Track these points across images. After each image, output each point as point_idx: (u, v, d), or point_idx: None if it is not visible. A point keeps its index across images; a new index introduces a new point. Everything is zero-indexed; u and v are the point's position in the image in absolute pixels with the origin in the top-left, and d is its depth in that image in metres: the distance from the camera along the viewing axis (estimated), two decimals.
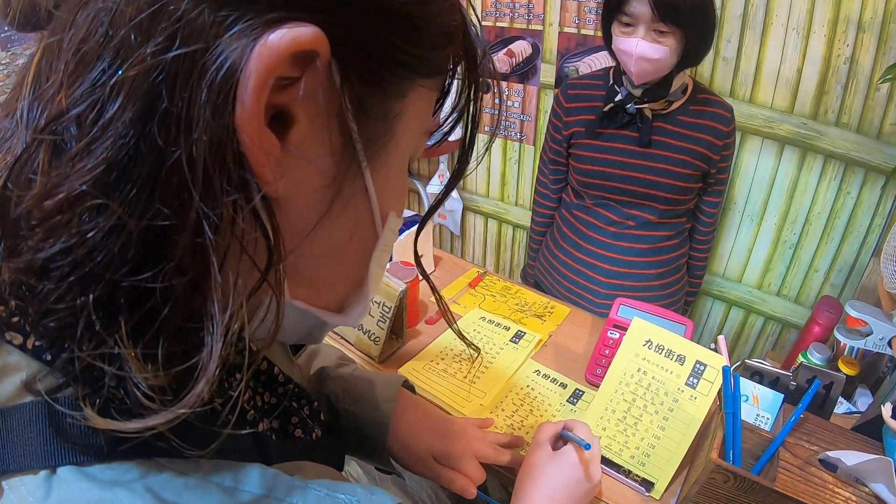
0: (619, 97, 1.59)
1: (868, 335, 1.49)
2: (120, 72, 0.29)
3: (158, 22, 0.28)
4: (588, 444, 0.85)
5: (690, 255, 1.85)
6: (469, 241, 3.18)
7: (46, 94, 0.32)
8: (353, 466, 1.53)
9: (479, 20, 0.47)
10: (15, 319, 0.35)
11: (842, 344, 1.55)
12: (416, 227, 1.46)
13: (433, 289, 0.62)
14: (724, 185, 1.71)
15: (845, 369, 1.50)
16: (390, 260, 1.40)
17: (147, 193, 0.30)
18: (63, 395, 0.34)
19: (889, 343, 1.47)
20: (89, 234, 0.30)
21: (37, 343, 0.35)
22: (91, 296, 0.31)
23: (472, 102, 0.47)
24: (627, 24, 1.46)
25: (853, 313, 1.51)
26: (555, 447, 0.89)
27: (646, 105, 1.56)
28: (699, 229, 1.80)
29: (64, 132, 0.31)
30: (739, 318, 2.37)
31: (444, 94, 0.48)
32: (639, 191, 1.63)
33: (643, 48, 1.43)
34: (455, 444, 0.90)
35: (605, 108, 1.61)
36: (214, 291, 0.32)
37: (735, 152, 1.70)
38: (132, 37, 0.28)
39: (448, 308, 0.64)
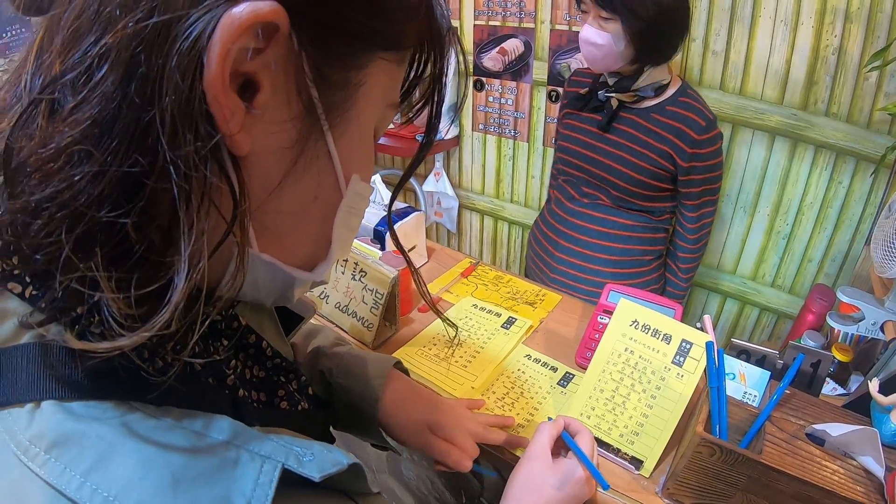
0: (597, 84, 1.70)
1: (860, 321, 1.50)
2: (105, 40, 0.33)
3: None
4: (605, 484, 0.84)
5: (668, 266, 1.87)
6: (466, 239, 3.18)
7: (45, 64, 0.36)
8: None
9: (446, 1, 0.50)
10: (16, 272, 0.39)
11: (835, 331, 1.56)
12: (409, 217, 1.47)
13: (408, 261, 0.64)
14: (696, 200, 1.68)
15: (839, 355, 1.51)
16: (382, 249, 1.41)
17: (126, 145, 0.33)
18: (51, 334, 0.38)
19: (881, 328, 1.48)
20: (75, 179, 0.33)
21: (34, 292, 0.39)
22: (75, 231, 0.34)
23: (436, 77, 0.51)
24: (584, 13, 1.56)
25: (845, 299, 1.51)
26: (553, 449, 0.89)
27: (613, 94, 1.63)
28: (675, 243, 1.82)
29: (59, 94, 0.34)
30: (735, 310, 2.38)
31: (420, 72, 0.51)
32: (594, 171, 1.70)
33: (587, 33, 1.54)
34: (447, 416, 0.91)
35: (583, 91, 1.72)
36: (183, 233, 0.35)
37: (719, 157, 1.65)
38: (118, 11, 0.32)
39: (423, 281, 0.66)
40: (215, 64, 0.34)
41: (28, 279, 0.40)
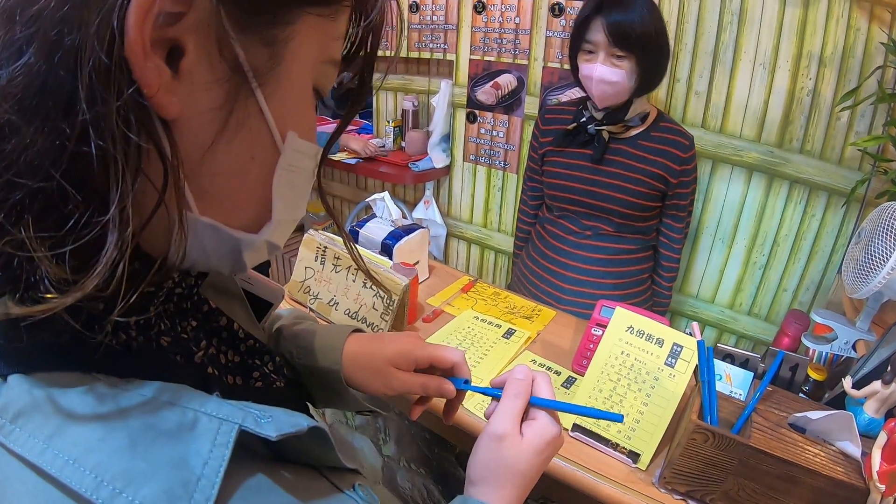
0: (583, 119, 1.79)
1: (834, 340, 1.59)
2: (31, 14, 0.35)
3: None
4: (620, 417, 0.73)
5: (655, 279, 1.99)
6: (452, 266, 3.26)
7: None
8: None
9: None
10: None
11: (810, 351, 1.66)
12: (414, 234, 1.55)
13: (339, 226, 0.64)
14: (685, 211, 1.85)
15: (814, 375, 1.59)
16: (391, 259, 1.49)
17: (52, 115, 0.35)
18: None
19: (853, 346, 1.58)
20: (6, 151, 0.36)
21: None
22: (8, 201, 0.36)
23: (368, 28, 0.51)
24: (589, 52, 1.66)
25: (819, 320, 1.61)
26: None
27: (604, 127, 1.74)
28: (663, 254, 1.94)
29: None
30: (713, 338, 2.47)
31: (364, 27, 0.51)
32: (595, 203, 1.80)
33: (602, 72, 1.63)
34: (406, 342, 0.82)
35: (569, 127, 1.81)
36: (112, 193, 0.37)
37: (698, 179, 1.87)
38: None
39: (354, 246, 0.66)
40: (133, 31, 0.35)
41: None
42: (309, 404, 0.84)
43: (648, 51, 1.60)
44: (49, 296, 0.37)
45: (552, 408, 0.72)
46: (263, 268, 3.53)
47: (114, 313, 0.39)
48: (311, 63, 0.47)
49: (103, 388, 0.41)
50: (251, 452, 0.44)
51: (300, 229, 3.67)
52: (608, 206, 1.78)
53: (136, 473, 0.37)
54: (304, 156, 0.50)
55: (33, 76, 0.35)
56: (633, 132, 1.77)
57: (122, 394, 0.41)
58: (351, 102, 0.56)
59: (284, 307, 0.93)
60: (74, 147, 0.35)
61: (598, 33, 1.60)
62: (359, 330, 0.87)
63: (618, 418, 0.72)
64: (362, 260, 0.67)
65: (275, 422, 0.43)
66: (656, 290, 2.01)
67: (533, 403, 0.72)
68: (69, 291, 0.37)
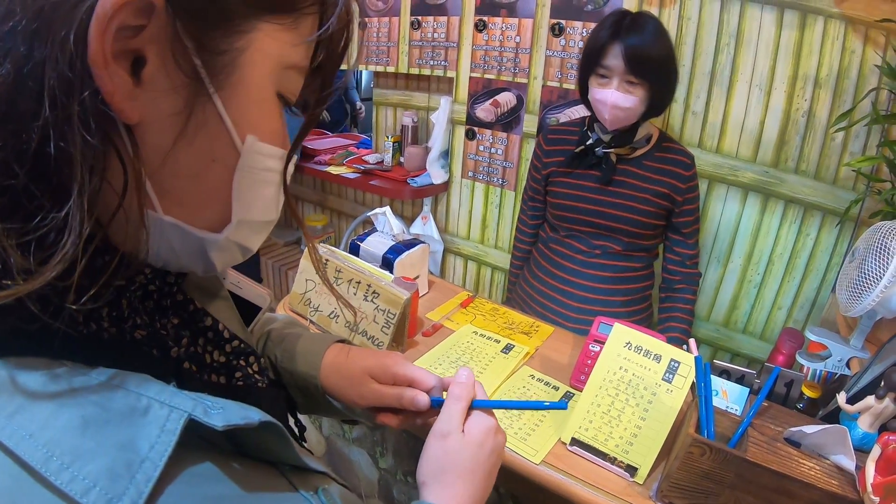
0: (590, 141, 1.82)
1: (827, 358, 1.61)
2: (7, 44, 0.37)
3: None
4: (564, 404, 0.78)
5: (679, 297, 1.96)
6: (448, 282, 3.26)
7: None
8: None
9: None
10: None
11: (804, 368, 1.68)
12: (415, 248, 1.57)
13: (306, 234, 0.66)
14: (692, 227, 1.89)
15: (808, 392, 1.61)
16: (392, 273, 1.51)
17: (24, 119, 0.38)
18: None
19: (847, 364, 1.60)
20: None
21: None
22: None
23: (334, 39, 0.52)
24: (603, 77, 1.68)
25: (813, 338, 1.63)
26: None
27: (612, 150, 1.78)
28: (680, 271, 1.94)
29: None
30: (707, 356, 2.49)
31: (326, 35, 0.51)
32: (604, 223, 1.83)
33: (616, 98, 1.65)
34: (389, 356, 0.83)
35: (577, 150, 1.83)
36: (73, 192, 0.39)
37: (700, 197, 1.90)
38: (18, 8, 0.37)
39: (310, 236, 0.65)
40: (94, 42, 0.37)
41: None
42: (297, 410, 0.86)
43: (661, 77, 1.65)
44: (9, 282, 0.39)
45: (495, 407, 0.78)
46: (256, 277, 3.53)
47: (69, 301, 0.41)
48: (270, 69, 0.48)
49: (62, 370, 0.42)
50: (209, 444, 0.45)
51: (297, 243, 3.66)
52: (617, 226, 1.81)
53: (84, 451, 0.39)
54: (265, 158, 0.51)
55: (7, 87, 0.37)
56: (639, 153, 1.80)
57: (78, 376, 0.42)
58: (312, 106, 0.57)
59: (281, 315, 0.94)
60: (38, 148, 0.38)
61: (614, 59, 1.62)
62: (345, 341, 0.89)
63: (562, 406, 0.78)
64: (330, 282, 0.68)
65: (224, 413, 0.44)
66: (682, 308, 1.95)
67: (476, 406, 0.75)
68: (29, 280, 0.39)
